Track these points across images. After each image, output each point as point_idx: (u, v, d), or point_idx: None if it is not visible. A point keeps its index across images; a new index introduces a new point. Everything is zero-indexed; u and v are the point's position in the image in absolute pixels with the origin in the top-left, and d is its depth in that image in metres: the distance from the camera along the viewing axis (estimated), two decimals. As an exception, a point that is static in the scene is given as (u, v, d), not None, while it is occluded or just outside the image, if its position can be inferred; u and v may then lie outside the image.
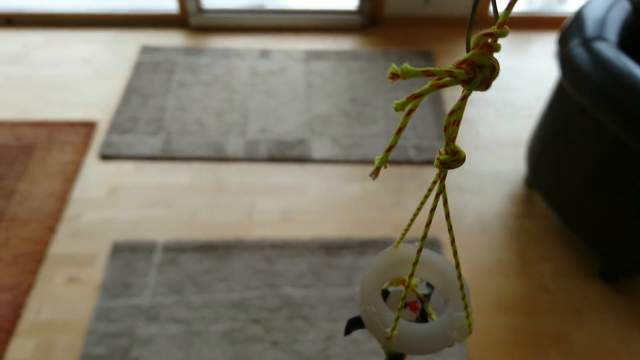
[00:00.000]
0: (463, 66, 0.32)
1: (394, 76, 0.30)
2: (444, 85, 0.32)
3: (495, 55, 0.33)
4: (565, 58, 1.35)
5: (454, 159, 0.37)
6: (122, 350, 1.36)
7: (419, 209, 0.45)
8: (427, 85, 0.32)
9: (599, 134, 1.32)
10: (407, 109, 0.32)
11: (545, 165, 1.60)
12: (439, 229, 1.67)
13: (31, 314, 1.42)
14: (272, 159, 1.86)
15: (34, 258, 1.53)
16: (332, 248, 1.60)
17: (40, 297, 1.46)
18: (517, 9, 2.57)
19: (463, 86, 0.33)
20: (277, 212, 1.70)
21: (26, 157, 1.81)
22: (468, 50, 0.33)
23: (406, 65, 0.30)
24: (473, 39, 0.32)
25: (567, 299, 1.51)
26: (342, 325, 1.42)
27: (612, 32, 1.33)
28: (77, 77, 2.16)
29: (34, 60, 2.23)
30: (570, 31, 1.37)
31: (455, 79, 0.32)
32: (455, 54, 2.35)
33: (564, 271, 1.58)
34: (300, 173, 1.83)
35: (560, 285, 1.54)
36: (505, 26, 0.32)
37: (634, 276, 1.48)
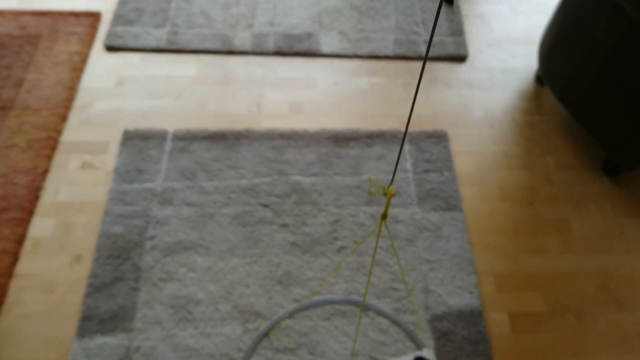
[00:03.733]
0: None
1: None
2: None
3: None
4: (589, -63, 1.28)
5: None
6: (139, 230, 1.42)
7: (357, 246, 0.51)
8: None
9: (614, 20, 1.28)
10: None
11: (557, 57, 1.57)
12: (447, 121, 1.68)
13: (49, 196, 1.47)
14: (280, 52, 1.83)
15: (48, 144, 1.56)
16: (340, 139, 1.62)
17: (57, 180, 1.50)
18: None
19: None
20: (285, 105, 1.70)
21: (32, 47, 1.79)
22: None
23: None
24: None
25: (568, 190, 1.55)
26: (349, 210, 1.47)
27: None
28: (77, -34, 2.08)
29: (30, -52, 2.14)
30: None
31: None
32: None
33: (568, 164, 1.60)
34: (309, 67, 1.81)
35: (562, 177, 1.57)
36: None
37: (637, 167, 1.50)
